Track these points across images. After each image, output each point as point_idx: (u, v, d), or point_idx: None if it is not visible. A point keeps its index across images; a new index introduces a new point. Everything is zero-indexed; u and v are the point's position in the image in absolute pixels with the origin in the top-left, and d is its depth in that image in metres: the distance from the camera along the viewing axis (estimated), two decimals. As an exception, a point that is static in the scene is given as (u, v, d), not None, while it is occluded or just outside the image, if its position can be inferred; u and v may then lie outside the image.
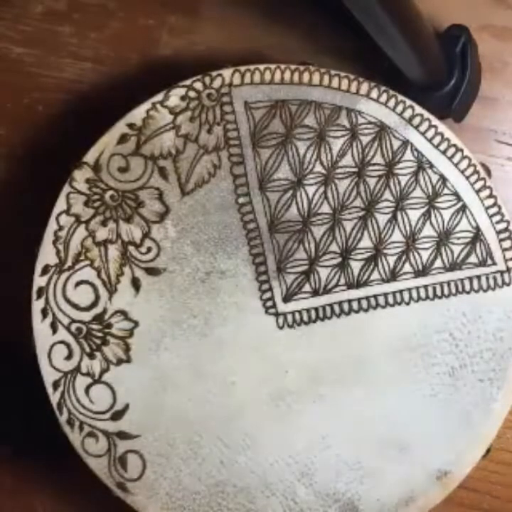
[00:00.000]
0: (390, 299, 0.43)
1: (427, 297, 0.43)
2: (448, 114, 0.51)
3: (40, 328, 0.42)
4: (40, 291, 0.42)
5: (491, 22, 0.52)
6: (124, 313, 0.43)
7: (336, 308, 0.43)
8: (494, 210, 0.44)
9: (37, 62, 0.54)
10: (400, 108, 0.43)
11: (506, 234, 0.44)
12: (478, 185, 0.44)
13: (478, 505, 0.56)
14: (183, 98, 0.43)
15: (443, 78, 0.48)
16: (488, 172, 0.45)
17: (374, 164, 0.43)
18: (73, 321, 0.42)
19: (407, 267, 0.43)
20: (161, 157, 0.43)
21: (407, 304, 0.43)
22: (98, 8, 0.54)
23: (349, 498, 0.43)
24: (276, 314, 0.43)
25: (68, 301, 0.42)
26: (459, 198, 0.44)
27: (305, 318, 0.43)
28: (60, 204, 0.42)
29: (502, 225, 0.44)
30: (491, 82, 0.52)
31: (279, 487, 0.43)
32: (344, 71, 0.45)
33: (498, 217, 0.44)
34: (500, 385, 0.43)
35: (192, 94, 0.43)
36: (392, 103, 0.43)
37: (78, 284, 0.43)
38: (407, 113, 0.43)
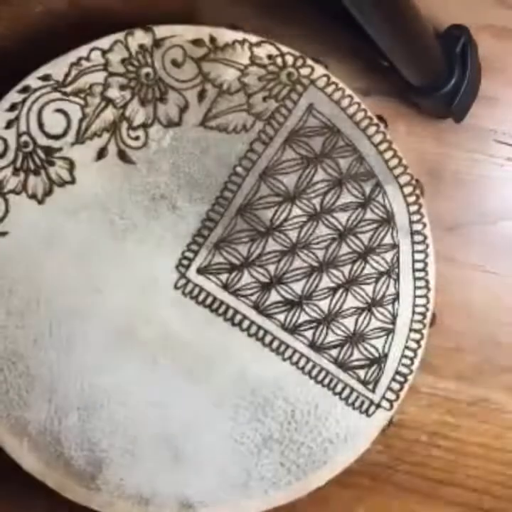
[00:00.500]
0: (274, 344, 0.43)
1: (302, 369, 0.43)
2: (448, 114, 0.50)
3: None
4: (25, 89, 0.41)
5: (491, 22, 0.51)
6: (71, 165, 0.41)
7: (230, 312, 0.43)
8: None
9: None
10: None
11: (397, 383, 0.43)
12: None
13: (478, 505, 0.56)
14: (269, 57, 0.41)
15: (443, 78, 0.47)
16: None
17: (359, 240, 0.43)
18: (28, 134, 0.41)
19: (308, 333, 0.43)
20: (214, 82, 0.41)
21: (283, 360, 0.43)
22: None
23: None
24: (182, 276, 0.42)
25: (40, 120, 0.41)
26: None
27: (200, 297, 0.42)
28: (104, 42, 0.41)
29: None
30: (491, 82, 0.51)
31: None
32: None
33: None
34: (291, 481, 0.43)
35: (279, 61, 0.42)
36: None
37: (59, 111, 0.41)
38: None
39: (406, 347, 0.43)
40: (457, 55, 0.48)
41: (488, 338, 0.55)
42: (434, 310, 0.44)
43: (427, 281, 0.43)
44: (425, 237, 0.43)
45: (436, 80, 0.47)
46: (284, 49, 0.42)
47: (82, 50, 0.41)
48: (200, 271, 0.43)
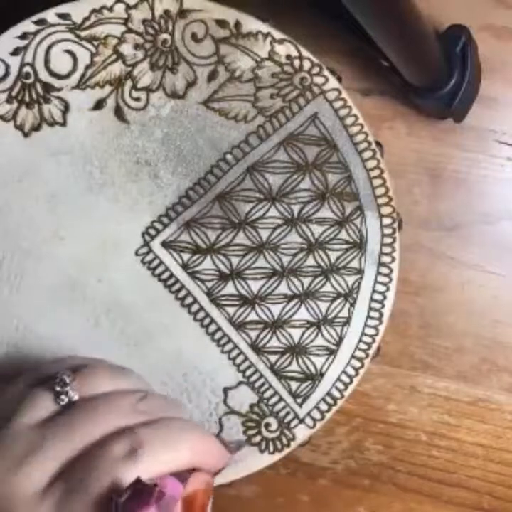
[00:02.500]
0: (217, 335, 0.43)
1: (238, 366, 0.43)
2: (448, 114, 0.50)
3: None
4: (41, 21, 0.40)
5: (491, 22, 0.51)
6: (66, 108, 0.41)
7: (182, 293, 0.42)
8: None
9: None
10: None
11: (326, 404, 0.44)
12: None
13: (478, 505, 0.57)
14: (288, 57, 0.41)
15: (443, 78, 0.47)
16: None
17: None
18: (32, 66, 0.40)
19: (253, 333, 0.43)
20: (227, 67, 0.41)
21: (222, 352, 0.43)
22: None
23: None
24: (146, 244, 0.42)
25: (47, 56, 0.40)
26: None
27: (157, 270, 0.42)
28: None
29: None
30: (491, 82, 0.51)
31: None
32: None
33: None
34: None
35: (297, 63, 0.41)
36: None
37: (68, 52, 0.40)
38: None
39: (344, 372, 0.44)
40: (457, 55, 0.48)
41: (488, 338, 0.55)
42: (380, 343, 0.44)
43: (381, 314, 0.44)
44: (391, 271, 0.43)
45: (436, 80, 0.47)
46: (305, 53, 0.42)
47: (108, 0, 0.41)
48: (165, 244, 0.42)
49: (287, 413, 0.43)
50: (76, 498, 0.28)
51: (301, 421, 0.44)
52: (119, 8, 0.41)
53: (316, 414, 0.44)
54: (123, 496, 0.26)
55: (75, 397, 0.31)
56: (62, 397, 0.31)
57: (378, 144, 0.43)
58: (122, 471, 0.28)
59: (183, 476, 0.30)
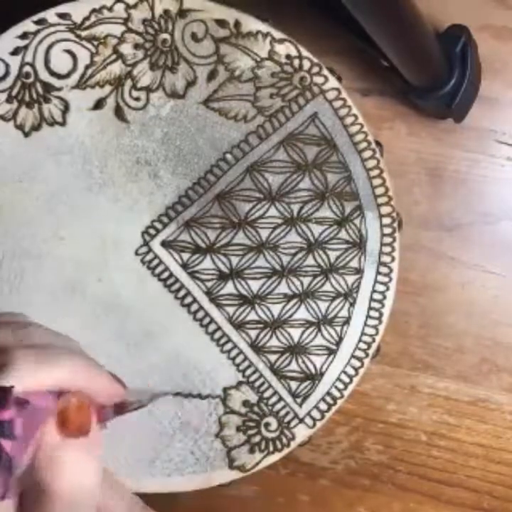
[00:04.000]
0: (217, 335, 0.43)
1: (238, 366, 0.43)
2: (448, 114, 0.50)
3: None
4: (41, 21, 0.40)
5: (491, 22, 0.51)
6: (66, 108, 0.41)
7: (182, 292, 0.42)
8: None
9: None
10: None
11: (326, 404, 0.44)
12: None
13: (478, 505, 0.57)
14: (288, 57, 0.41)
15: (443, 78, 0.47)
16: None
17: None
18: (32, 66, 0.40)
19: (252, 332, 0.43)
20: (227, 66, 0.41)
21: (222, 352, 0.43)
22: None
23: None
24: (146, 243, 0.42)
25: (47, 56, 0.40)
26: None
27: (157, 269, 0.42)
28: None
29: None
30: (491, 82, 0.51)
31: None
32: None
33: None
34: (196, 471, 0.43)
35: (296, 63, 0.42)
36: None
37: (68, 52, 0.40)
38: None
39: (343, 371, 0.44)
40: (457, 55, 0.48)
41: (488, 338, 0.55)
42: (380, 343, 0.44)
43: (381, 314, 0.44)
44: (391, 271, 0.43)
45: (436, 80, 0.47)
46: (305, 53, 0.42)
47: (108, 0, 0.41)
48: (165, 244, 0.42)
49: (287, 413, 0.43)
50: None
51: (301, 421, 0.44)
52: (119, 7, 0.41)
53: (316, 414, 0.44)
54: None
55: None
56: None
57: (378, 143, 0.43)
58: None
59: (60, 393, 0.28)
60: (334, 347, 0.44)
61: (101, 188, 0.42)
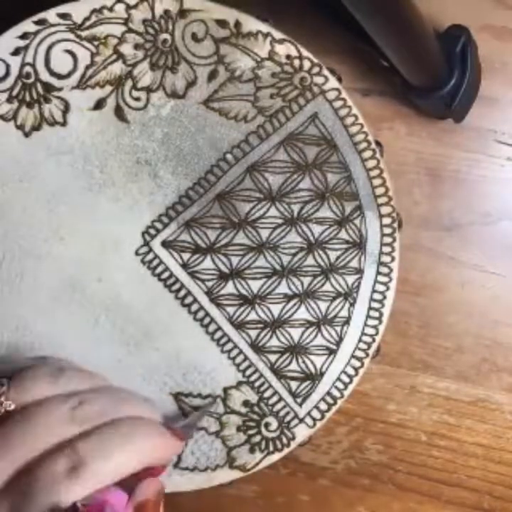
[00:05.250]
0: (217, 335, 0.43)
1: (238, 366, 0.43)
2: (448, 114, 0.50)
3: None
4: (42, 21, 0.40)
5: (491, 22, 0.51)
6: (66, 108, 0.41)
7: (182, 292, 0.42)
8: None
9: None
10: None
11: (326, 404, 0.44)
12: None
13: (478, 505, 0.57)
14: (288, 57, 0.41)
15: (443, 78, 0.47)
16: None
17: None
18: (32, 66, 0.40)
19: (252, 332, 0.43)
20: (227, 66, 0.41)
21: (222, 352, 0.43)
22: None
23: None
24: (146, 244, 0.42)
25: (48, 56, 0.40)
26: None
27: (157, 269, 0.42)
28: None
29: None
30: (491, 82, 0.51)
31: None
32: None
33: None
34: (196, 470, 0.43)
35: (297, 63, 0.42)
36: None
37: (68, 52, 0.40)
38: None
39: (344, 371, 0.44)
40: (457, 55, 0.48)
41: (488, 338, 0.55)
42: (380, 343, 0.44)
43: (381, 314, 0.44)
44: (391, 271, 0.43)
45: (436, 80, 0.47)
46: (305, 53, 0.42)
47: (108, 0, 0.41)
48: (165, 244, 0.43)
49: (287, 413, 0.44)
50: None
51: (301, 421, 0.44)
52: (120, 8, 0.41)
53: (316, 414, 0.44)
54: None
55: (12, 407, 0.31)
56: None
57: (378, 143, 0.43)
58: (63, 491, 0.28)
59: (129, 485, 0.29)
60: (334, 347, 0.44)
61: (101, 188, 0.42)
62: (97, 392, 0.33)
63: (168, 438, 0.32)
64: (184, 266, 0.43)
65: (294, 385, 0.43)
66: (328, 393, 0.44)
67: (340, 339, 0.44)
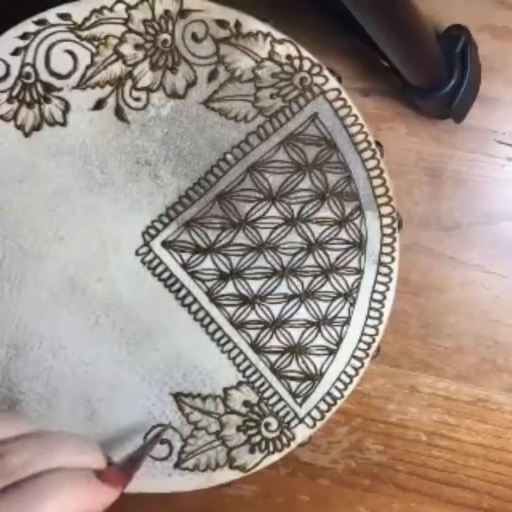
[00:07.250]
0: (217, 335, 0.43)
1: (238, 366, 0.43)
2: (448, 114, 0.50)
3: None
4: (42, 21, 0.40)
5: (491, 22, 0.51)
6: (67, 108, 0.41)
7: (182, 292, 0.42)
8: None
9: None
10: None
11: (326, 404, 0.44)
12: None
13: (478, 505, 0.57)
14: (288, 57, 0.41)
15: (443, 78, 0.47)
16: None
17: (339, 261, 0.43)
18: (32, 66, 0.40)
19: (253, 333, 0.43)
20: (227, 67, 0.41)
21: (222, 352, 0.43)
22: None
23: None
24: (146, 244, 0.42)
25: (48, 56, 0.40)
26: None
27: (157, 269, 0.42)
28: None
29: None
30: (491, 82, 0.51)
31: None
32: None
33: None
34: (195, 470, 0.43)
35: (297, 63, 0.42)
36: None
37: (69, 52, 0.40)
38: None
39: (344, 372, 0.44)
40: (457, 55, 0.48)
41: (488, 338, 0.55)
42: (380, 343, 0.44)
43: (381, 314, 0.44)
44: (391, 271, 0.43)
45: (436, 80, 0.47)
46: (305, 53, 0.42)
47: (108, 0, 0.41)
48: (165, 244, 0.43)
49: (287, 413, 0.44)
50: None
51: (301, 421, 0.44)
52: (120, 8, 0.41)
53: (316, 414, 0.44)
54: None
55: None
56: None
57: (378, 143, 0.43)
58: None
59: None
60: (334, 347, 0.44)
61: (101, 188, 0.42)
62: (25, 439, 0.29)
63: (99, 488, 0.29)
64: (184, 266, 0.43)
65: (294, 385, 0.44)
66: (328, 393, 0.44)
67: (341, 339, 0.44)
